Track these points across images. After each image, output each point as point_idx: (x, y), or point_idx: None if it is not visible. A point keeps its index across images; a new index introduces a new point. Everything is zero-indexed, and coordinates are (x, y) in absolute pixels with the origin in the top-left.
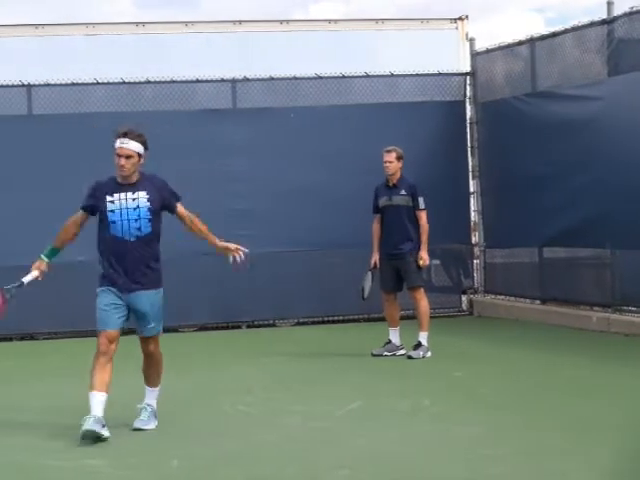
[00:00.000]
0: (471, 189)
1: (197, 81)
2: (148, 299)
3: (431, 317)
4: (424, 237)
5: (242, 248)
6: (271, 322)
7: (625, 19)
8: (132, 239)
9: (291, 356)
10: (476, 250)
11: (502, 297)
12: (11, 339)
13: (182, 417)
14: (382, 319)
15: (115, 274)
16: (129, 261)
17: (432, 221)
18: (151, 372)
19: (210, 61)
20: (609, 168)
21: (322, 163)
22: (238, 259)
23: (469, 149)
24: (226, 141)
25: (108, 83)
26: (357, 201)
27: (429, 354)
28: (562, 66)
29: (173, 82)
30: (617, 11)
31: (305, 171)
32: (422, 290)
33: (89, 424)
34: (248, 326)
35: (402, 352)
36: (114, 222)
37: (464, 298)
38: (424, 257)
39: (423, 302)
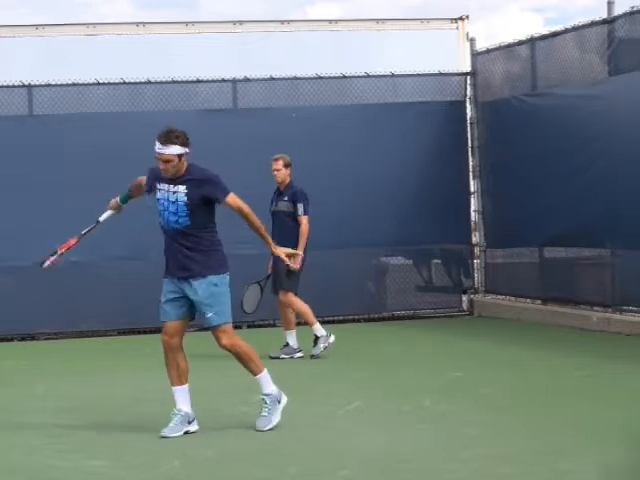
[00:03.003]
0: (471, 189)
1: (198, 81)
2: (198, 287)
3: (431, 317)
4: (300, 242)
5: (297, 253)
6: (271, 322)
7: (626, 19)
8: (172, 229)
9: None
10: (476, 250)
11: (502, 297)
12: (12, 339)
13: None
14: (382, 319)
15: (167, 262)
16: (174, 250)
17: (432, 221)
18: (242, 364)
19: (211, 61)
20: (610, 168)
21: (322, 163)
22: (292, 266)
23: (469, 149)
24: (227, 141)
25: (109, 83)
26: (358, 201)
27: (332, 339)
28: (562, 66)
29: (174, 82)
30: (617, 11)
31: (304, 172)
32: (289, 294)
33: (165, 432)
34: (248, 326)
35: (299, 355)
36: (160, 211)
37: (464, 298)
38: (296, 261)
39: (295, 305)
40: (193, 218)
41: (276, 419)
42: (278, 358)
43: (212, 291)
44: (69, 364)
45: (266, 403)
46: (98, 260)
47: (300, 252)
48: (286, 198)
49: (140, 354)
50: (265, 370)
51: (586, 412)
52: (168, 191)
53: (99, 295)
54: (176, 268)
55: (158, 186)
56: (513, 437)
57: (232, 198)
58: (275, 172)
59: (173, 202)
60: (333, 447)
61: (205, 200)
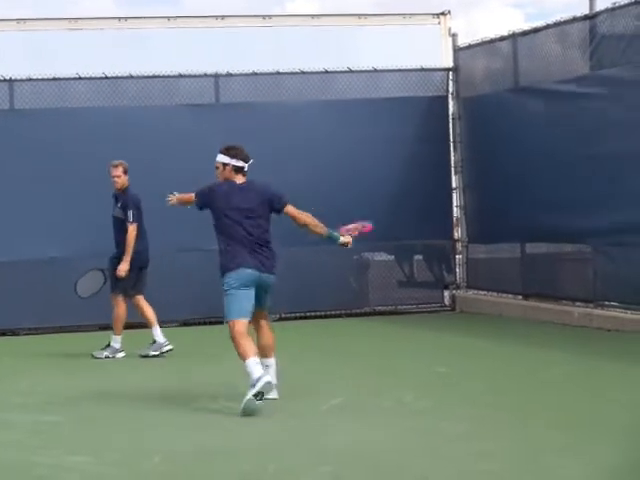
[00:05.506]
0: (453, 184)
1: (180, 76)
2: (270, 280)
3: (413, 312)
4: (127, 250)
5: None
6: None
7: (607, 14)
8: None
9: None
10: (458, 245)
11: (484, 292)
12: None
13: (164, 413)
14: (364, 314)
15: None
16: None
17: (414, 217)
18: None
19: (193, 56)
20: (591, 164)
21: (305, 159)
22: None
23: (451, 144)
24: (208, 136)
25: (90, 78)
26: (339, 197)
27: (120, 355)
28: (544, 62)
29: (155, 77)
30: (599, 6)
31: (288, 167)
32: (119, 297)
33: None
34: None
35: (168, 348)
36: None
37: (446, 293)
38: (120, 269)
39: (117, 309)
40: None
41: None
42: (148, 356)
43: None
44: (51, 359)
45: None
46: (78, 255)
47: (127, 259)
48: (120, 204)
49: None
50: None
51: (569, 407)
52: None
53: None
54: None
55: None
56: (497, 433)
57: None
58: (115, 179)
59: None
60: (314, 443)
61: (270, 204)
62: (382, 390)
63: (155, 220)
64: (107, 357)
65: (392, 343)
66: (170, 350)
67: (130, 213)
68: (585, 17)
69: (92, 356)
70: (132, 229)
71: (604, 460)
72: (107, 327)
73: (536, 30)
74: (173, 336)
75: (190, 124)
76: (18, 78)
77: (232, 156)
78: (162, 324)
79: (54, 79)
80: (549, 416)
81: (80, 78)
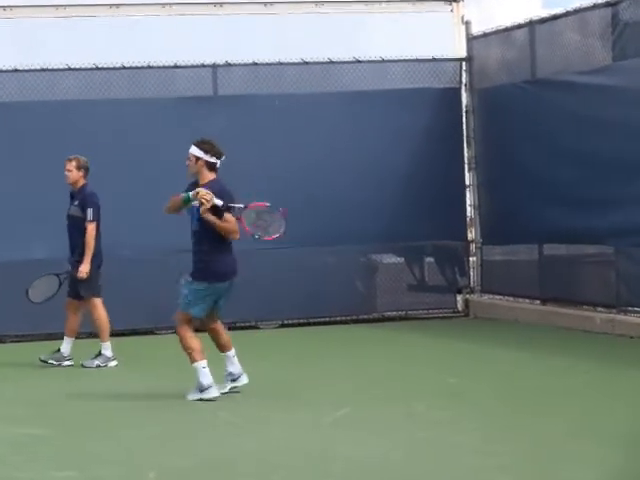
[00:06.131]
0: (467, 182)
1: (176, 67)
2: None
3: (424, 318)
4: (87, 250)
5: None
6: (253, 324)
7: (631, 1)
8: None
9: (274, 360)
10: (472, 247)
11: (500, 297)
12: None
13: (157, 424)
14: (372, 320)
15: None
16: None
17: (425, 216)
18: None
19: (189, 45)
20: (614, 160)
21: (308, 154)
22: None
23: (465, 139)
24: (206, 130)
25: (80, 69)
26: (343, 196)
27: (113, 364)
28: (563, 51)
29: (150, 68)
30: None
31: (289, 162)
32: (94, 301)
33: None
34: (229, 328)
35: (68, 363)
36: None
37: (459, 298)
38: (81, 270)
39: (96, 312)
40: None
41: (190, 397)
42: (46, 362)
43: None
44: (38, 368)
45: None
46: (67, 256)
47: (87, 260)
48: (77, 202)
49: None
50: (200, 364)
51: (588, 418)
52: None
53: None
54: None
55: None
56: (511, 445)
57: (230, 217)
58: (67, 173)
59: (196, 209)
60: (319, 456)
61: (215, 208)
62: (391, 400)
63: (147, 219)
64: (99, 366)
65: (401, 351)
66: (71, 366)
67: (90, 211)
68: (607, 4)
69: (82, 366)
70: (92, 228)
71: (625, 471)
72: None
73: (555, 17)
74: (165, 343)
75: (186, 117)
76: (3, 69)
77: (206, 151)
78: (156, 330)
79: (42, 70)
80: (567, 428)
81: (70, 69)
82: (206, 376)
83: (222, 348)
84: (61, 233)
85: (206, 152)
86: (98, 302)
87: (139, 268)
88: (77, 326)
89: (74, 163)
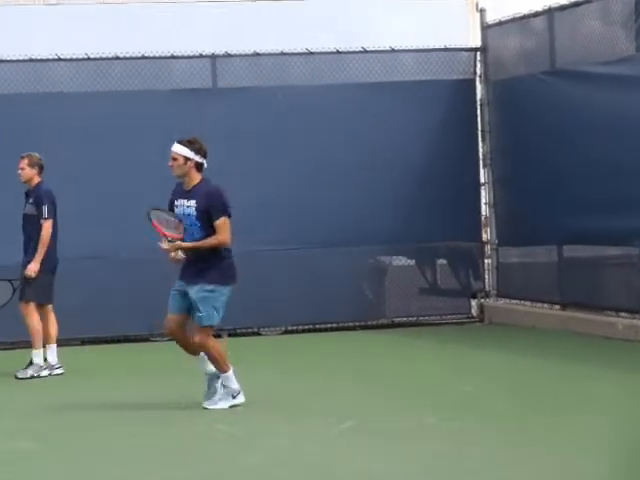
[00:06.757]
0: (482, 179)
1: (172, 57)
2: (195, 292)
3: (436, 324)
4: (40, 248)
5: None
6: (255, 330)
7: None
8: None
9: (277, 369)
10: (487, 248)
11: (517, 301)
12: None
13: (156, 437)
14: (381, 326)
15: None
16: (190, 255)
17: (438, 216)
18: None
19: (187, 34)
20: (637, 155)
21: (312, 150)
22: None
23: (479, 134)
24: (205, 125)
25: (71, 59)
26: (350, 195)
27: (44, 373)
28: (584, 40)
29: (145, 58)
30: None
31: (293, 159)
32: (29, 305)
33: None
34: (230, 334)
35: (59, 371)
36: None
37: (474, 303)
38: (30, 268)
39: (29, 318)
40: (204, 230)
41: (222, 406)
42: (25, 377)
43: (204, 297)
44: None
45: (221, 390)
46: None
47: (38, 258)
48: (31, 200)
49: (107, 368)
50: (231, 371)
51: (612, 432)
52: (184, 206)
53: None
54: (187, 275)
55: (176, 202)
56: (528, 460)
57: (222, 223)
58: (19, 171)
59: (188, 215)
60: (324, 471)
61: (208, 213)
62: (400, 412)
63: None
64: (32, 377)
65: (412, 358)
66: (61, 374)
67: (44, 208)
68: None
69: (16, 377)
70: (47, 226)
71: None
72: (92, 341)
73: (575, 4)
74: (163, 351)
75: (183, 111)
76: None
77: (196, 151)
78: (152, 337)
79: (30, 60)
80: (588, 442)
81: (60, 59)
82: (235, 381)
83: (197, 350)
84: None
85: (197, 152)
86: (33, 309)
87: (137, 270)
88: (54, 330)
89: (26, 160)
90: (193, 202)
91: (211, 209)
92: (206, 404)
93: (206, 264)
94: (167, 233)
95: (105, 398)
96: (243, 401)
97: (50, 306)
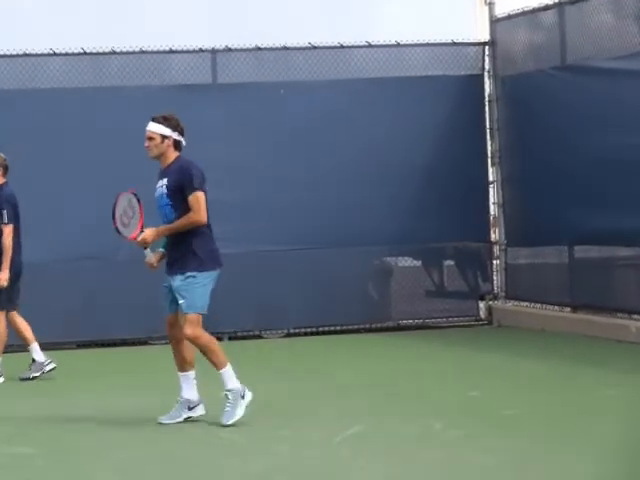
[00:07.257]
0: (490, 178)
1: (171, 51)
2: (176, 282)
3: (443, 327)
4: (4, 256)
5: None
6: (257, 333)
7: None
8: (162, 224)
9: (280, 373)
10: (496, 249)
11: (526, 304)
12: None
13: (156, 444)
14: (386, 329)
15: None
16: (168, 245)
17: (445, 215)
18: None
19: (186, 28)
20: None
21: (315, 148)
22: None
23: (488, 131)
24: (204, 121)
25: (67, 54)
26: (355, 193)
27: (36, 374)
28: (596, 35)
29: (143, 53)
30: None
31: (296, 157)
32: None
33: (163, 419)
34: (230, 337)
35: (50, 367)
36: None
37: (482, 305)
38: (1, 277)
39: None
40: (177, 211)
41: (240, 413)
42: (29, 379)
43: (186, 288)
44: (18, 382)
45: (228, 399)
46: (43, 261)
47: (6, 267)
48: None
49: (102, 371)
50: (228, 365)
51: (623, 438)
52: (161, 186)
53: (54, 303)
54: (169, 265)
55: (156, 186)
56: (537, 467)
57: (195, 198)
58: None
59: (161, 195)
60: (327, 479)
61: (180, 189)
62: (406, 417)
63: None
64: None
65: (418, 362)
66: (53, 369)
67: (4, 213)
68: None
69: None
70: (8, 231)
71: None
72: (88, 345)
73: None
74: (160, 354)
75: (182, 107)
76: None
77: (174, 127)
78: (150, 341)
79: (25, 55)
80: (600, 448)
81: (55, 54)
82: (236, 378)
83: (185, 366)
84: (42, 234)
85: (174, 129)
86: (2, 317)
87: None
88: (30, 329)
89: None
90: (165, 180)
91: (183, 184)
92: (224, 420)
93: (185, 250)
94: (132, 236)
95: (104, 403)
96: (252, 396)
97: (15, 311)
